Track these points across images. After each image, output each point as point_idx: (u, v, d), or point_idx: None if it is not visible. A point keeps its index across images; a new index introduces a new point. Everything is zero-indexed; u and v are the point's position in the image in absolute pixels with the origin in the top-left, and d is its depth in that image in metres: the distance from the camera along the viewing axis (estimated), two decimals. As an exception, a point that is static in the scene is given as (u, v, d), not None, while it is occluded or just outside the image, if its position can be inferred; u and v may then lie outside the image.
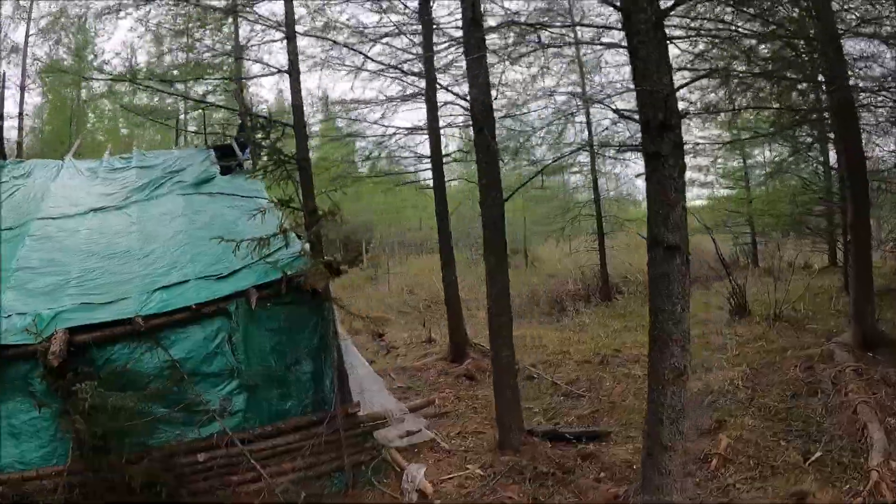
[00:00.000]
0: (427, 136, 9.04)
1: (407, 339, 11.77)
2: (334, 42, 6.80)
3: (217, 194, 6.85)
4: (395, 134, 9.80)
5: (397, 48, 8.68)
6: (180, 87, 11.24)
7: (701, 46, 6.61)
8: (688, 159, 13.70)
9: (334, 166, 9.89)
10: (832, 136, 7.93)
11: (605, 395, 6.67)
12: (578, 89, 12.44)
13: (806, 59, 6.73)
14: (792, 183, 12.71)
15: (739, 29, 6.04)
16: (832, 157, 10.31)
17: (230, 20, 7.74)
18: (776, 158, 13.43)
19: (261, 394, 4.88)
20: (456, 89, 8.49)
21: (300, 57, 8.74)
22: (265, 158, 5.30)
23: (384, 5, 8.66)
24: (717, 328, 9.02)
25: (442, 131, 9.22)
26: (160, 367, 4.68)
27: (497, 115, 9.11)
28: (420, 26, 8.48)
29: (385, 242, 24.67)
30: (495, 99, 4.67)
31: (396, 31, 8.63)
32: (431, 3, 8.37)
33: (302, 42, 8.21)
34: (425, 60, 8.36)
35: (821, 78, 6.84)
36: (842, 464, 4.23)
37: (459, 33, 5.87)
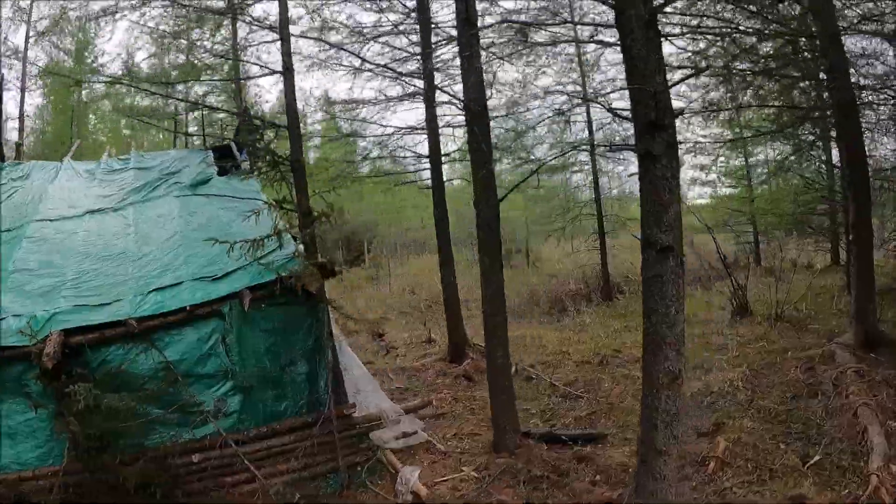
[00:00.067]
0: (426, 136, 9.00)
1: (407, 339, 11.74)
2: (328, 44, 6.76)
3: (213, 196, 6.84)
4: (393, 134, 9.77)
5: (396, 47, 8.65)
6: (181, 88, 11.28)
7: (702, 45, 6.57)
8: (689, 158, 13.64)
9: (333, 166, 9.86)
10: (834, 134, 7.85)
11: (604, 397, 6.62)
12: (579, 88, 12.36)
13: (808, 56, 6.66)
14: (794, 182, 12.62)
15: (739, 26, 6.00)
16: (835, 155, 10.21)
17: (227, 22, 7.72)
18: (778, 157, 13.33)
19: (255, 395, 4.89)
20: (454, 89, 8.45)
21: (298, 57, 8.75)
22: (260, 160, 5.26)
23: (383, 5, 8.65)
24: (719, 328, 8.96)
25: (441, 131, 9.19)
26: (155, 369, 4.70)
27: (496, 114, 9.06)
28: (418, 26, 8.44)
29: (386, 242, 24.69)
30: (489, 98, 4.62)
31: (395, 30, 8.60)
32: (429, 2, 8.34)
33: (300, 42, 8.21)
34: (423, 60, 8.32)
35: (822, 76, 6.76)
36: (841, 467, 4.17)
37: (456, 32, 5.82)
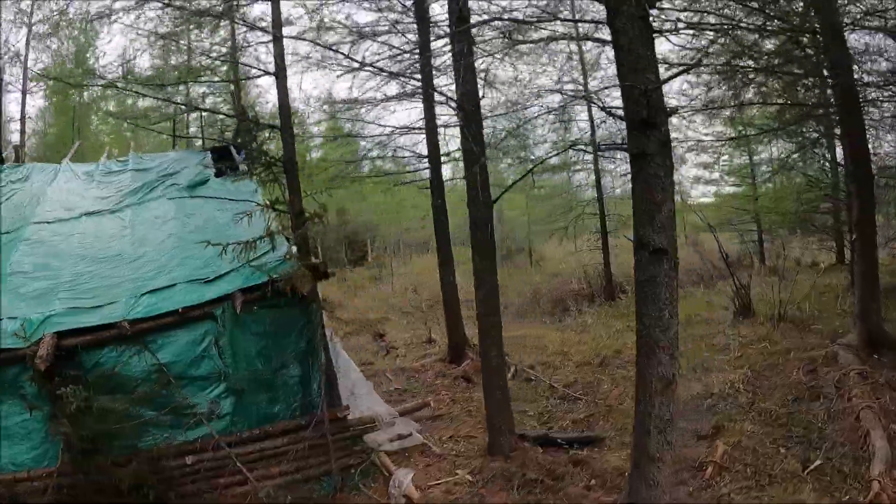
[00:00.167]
0: (424, 136, 8.94)
1: (408, 339, 11.71)
2: (322, 45, 6.71)
3: (211, 198, 6.82)
4: (392, 133, 9.72)
5: (394, 47, 8.58)
6: (181, 88, 11.27)
7: (703, 42, 6.47)
8: (691, 156, 13.53)
9: (332, 166, 9.82)
10: (838, 131, 7.72)
11: (602, 399, 6.55)
12: (580, 87, 12.26)
13: (810, 53, 6.55)
14: (797, 180, 12.46)
15: (741, 23, 5.89)
16: (839, 153, 10.07)
17: (224, 22, 7.69)
18: (782, 155, 13.18)
19: (248, 397, 4.88)
20: (452, 88, 8.36)
21: (296, 57, 8.71)
22: (255, 161, 5.23)
23: (382, 4, 8.59)
24: (721, 328, 8.86)
25: (442, 130, 9.12)
26: (148, 371, 4.72)
27: (496, 114, 8.97)
28: (416, 25, 8.37)
29: (389, 242, 24.67)
30: (482, 97, 4.56)
31: (393, 29, 8.53)
32: (427, 1, 8.26)
33: (298, 42, 8.15)
34: (421, 59, 8.25)
35: (825, 73, 6.65)
36: (842, 472, 4.08)
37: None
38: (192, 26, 7.49)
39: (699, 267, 14.00)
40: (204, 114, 9.55)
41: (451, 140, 15.17)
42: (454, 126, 8.40)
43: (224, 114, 7.39)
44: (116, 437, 4.47)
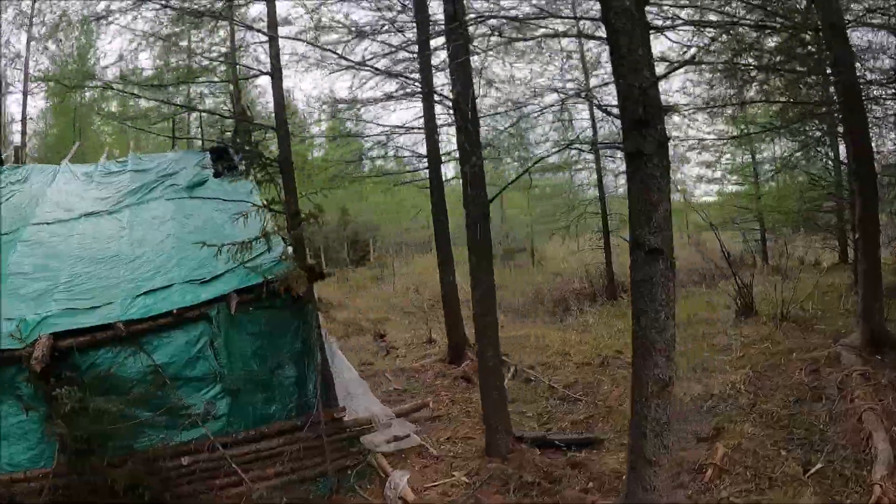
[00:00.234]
0: (424, 135, 8.90)
1: (408, 339, 11.68)
2: (315, 45, 6.68)
3: (209, 198, 6.81)
4: (392, 133, 9.69)
5: (392, 46, 8.54)
6: (181, 88, 11.26)
7: (705, 40, 6.41)
8: (694, 155, 13.43)
9: (332, 166, 9.79)
10: (841, 129, 7.64)
11: (602, 400, 6.50)
12: (581, 85, 12.18)
13: (812, 50, 6.47)
14: (800, 179, 12.36)
15: (741, 20, 5.83)
16: (842, 151, 9.97)
17: (223, 23, 7.67)
18: (785, 154, 13.08)
19: (244, 398, 4.87)
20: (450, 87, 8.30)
21: (295, 57, 8.67)
22: (251, 161, 5.22)
23: (381, 4, 8.55)
24: (723, 328, 8.79)
25: (442, 130, 9.09)
26: (143, 372, 4.71)
27: (494, 112, 8.92)
28: (415, 24, 8.33)
29: (391, 242, 24.65)
30: (484, 97, 4.52)
31: (392, 27, 8.50)
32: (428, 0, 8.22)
33: (298, 42, 8.12)
34: (420, 58, 8.21)
35: (828, 71, 6.57)
36: (843, 476, 4.02)
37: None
38: (190, 27, 7.48)
39: (701, 266, 13.91)
40: (204, 114, 9.53)
41: (451, 139, 15.10)
42: (453, 125, 8.36)
43: (219, 114, 7.37)
44: (112, 437, 4.47)
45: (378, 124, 9.46)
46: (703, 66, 5.41)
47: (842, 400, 5.13)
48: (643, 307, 3.17)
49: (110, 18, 6.16)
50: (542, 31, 4.27)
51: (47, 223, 6.52)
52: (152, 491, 4.37)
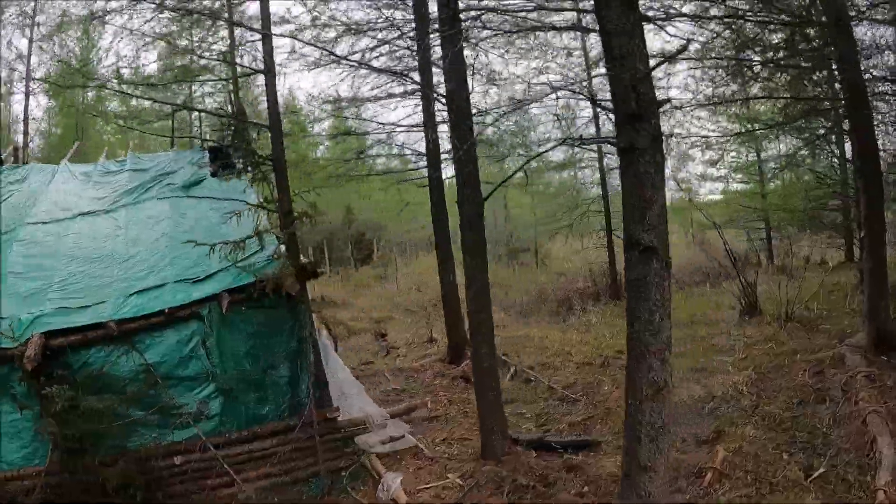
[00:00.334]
0: (423, 134, 8.83)
1: (409, 338, 11.64)
2: (308, 43, 6.62)
3: (205, 197, 6.77)
4: (392, 131, 9.62)
5: (392, 43, 8.47)
6: (182, 88, 11.25)
7: (709, 33, 6.29)
8: (697, 152, 13.25)
9: (330, 165, 9.75)
10: (846, 126, 7.49)
11: (602, 401, 6.40)
12: (581, 81, 12.05)
13: (816, 46, 6.34)
14: (805, 177, 12.18)
15: (744, 15, 5.71)
16: (848, 149, 9.79)
17: (222, 22, 7.62)
18: (789, 151, 12.90)
19: (237, 398, 4.85)
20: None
21: (294, 55, 8.62)
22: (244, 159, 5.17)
23: (380, 3, 8.48)
24: (726, 329, 8.67)
25: (442, 128, 9.00)
26: (136, 371, 4.70)
27: (485, 110, 8.83)
28: (413, 22, 8.25)
29: (394, 241, 24.62)
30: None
31: (392, 25, 8.43)
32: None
33: (298, 40, 8.05)
34: (419, 57, 8.14)
35: (833, 66, 6.44)
36: (846, 481, 3.91)
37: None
38: (187, 25, 7.43)
39: (705, 266, 13.77)
40: (203, 114, 9.50)
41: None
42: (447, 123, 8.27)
43: (212, 112, 7.33)
44: (104, 436, 4.45)
45: (377, 122, 9.40)
46: (701, 59, 5.29)
47: (846, 402, 5.01)
48: (637, 307, 3.08)
49: (106, 18, 6.10)
50: (531, 23, 4.16)
51: (44, 223, 6.51)
52: (144, 490, 4.37)
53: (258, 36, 6.90)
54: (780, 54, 6.48)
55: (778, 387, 5.90)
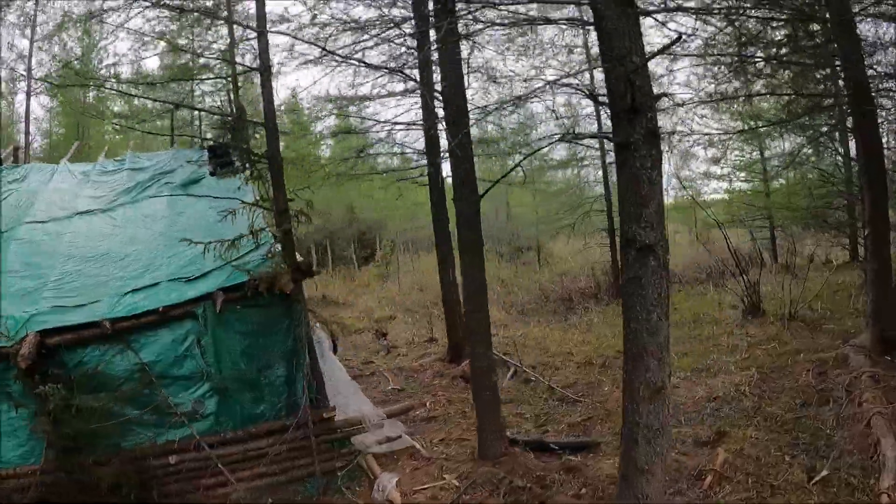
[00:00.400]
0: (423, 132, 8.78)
1: (410, 338, 11.60)
2: (304, 41, 6.57)
3: (202, 196, 6.74)
4: (391, 129, 9.58)
5: (390, 40, 8.41)
6: (185, 87, 11.23)
7: (711, 29, 6.21)
8: (700, 150, 13.12)
9: (330, 163, 9.71)
10: (850, 124, 7.39)
11: (602, 401, 6.33)
12: (581, 79, 11.98)
13: (819, 43, 6.25)
14: (810, 176, 12.06)
15: (746, 9, 5.63)
16: (853, 148, 9.68)
17: (219, 21, 7.59)
18: (793, 149, 12.76)
19: (233, 397, 4.82)
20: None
21: (293, 53, 8.58)
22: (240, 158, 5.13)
23: (380, 2, 8.44)
24: (729, 328, 8.58)
25: (440, 126, 8.94)
26: (130, 370, 4.69)
27: (482, 108, 8.77)
28: (413, 20, 8.20)
29: (398, 240, 24.57)
30: (467, 87, 4.37)
31: (391, 23, 8.37)
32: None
33: (298, 38, 8.01)
34: (419, 55, 8.08)
35: (836, 63, 6.34)
36: (850, 485, 3.83)
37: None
38: (187, 24, 7.42)
39: (709, 265, 13.66)
40: (203, 113, 9.48)
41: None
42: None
43: (209, 111, 7.30)
44: (99, 435, 4.45)
45: (377, 121, 9.36)
46: (704, 56, 5.21)
47: (849, 403, 4.93)
48: (634, 307, 3.02)
49: (106, 18, 6.08)
50: (521, 16, 4.09)
51: (41, 222, 6.50)
52: (138, 490, 4.36)
53: (248, 35, 6.90)
54: (783, 51, 6.39)
55: (781, 387, 5.83)
